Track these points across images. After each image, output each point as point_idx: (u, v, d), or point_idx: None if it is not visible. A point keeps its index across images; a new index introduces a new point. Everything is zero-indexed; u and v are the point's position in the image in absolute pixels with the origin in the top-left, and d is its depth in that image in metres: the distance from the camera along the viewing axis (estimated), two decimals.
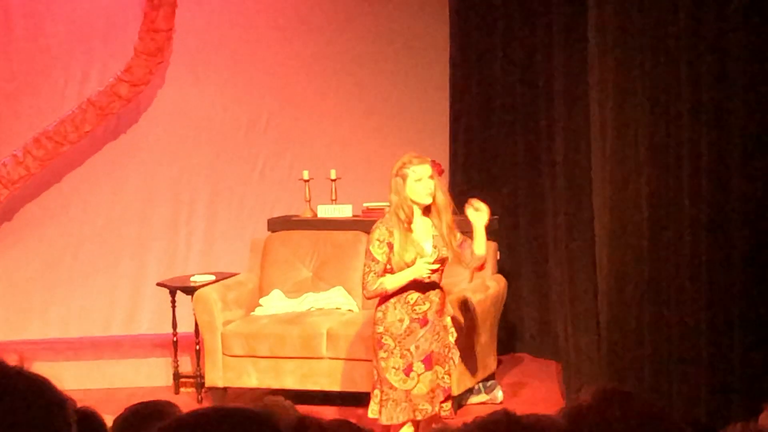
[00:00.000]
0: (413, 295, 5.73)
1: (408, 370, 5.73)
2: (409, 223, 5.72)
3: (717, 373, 6.11)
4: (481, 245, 5.75)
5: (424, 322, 5.75)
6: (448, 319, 5.90)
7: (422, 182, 5.70)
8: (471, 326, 7.02)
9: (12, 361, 2.25)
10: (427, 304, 5.75)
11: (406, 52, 9.20)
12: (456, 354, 5.88)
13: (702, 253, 6.16)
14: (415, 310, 5.74)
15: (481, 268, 6.05)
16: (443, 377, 5.79)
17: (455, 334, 5.91)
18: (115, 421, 2.85)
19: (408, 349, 5.73)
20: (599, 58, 6.51)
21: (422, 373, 5.73)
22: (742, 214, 6.05)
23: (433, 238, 5.76)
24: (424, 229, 5.78)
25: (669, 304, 6.27)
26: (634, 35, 6.34)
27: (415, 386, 5.72)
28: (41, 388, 2.14)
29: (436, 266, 5.64)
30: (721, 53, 6.05)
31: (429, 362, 5.75)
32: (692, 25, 6.10)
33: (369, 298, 5.90)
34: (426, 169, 5.72)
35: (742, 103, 6.04)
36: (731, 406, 5.97)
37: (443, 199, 5.77)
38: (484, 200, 5.85)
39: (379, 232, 5.75)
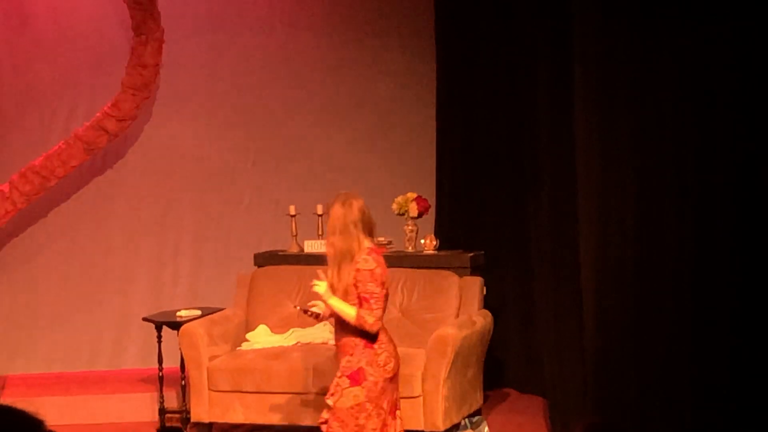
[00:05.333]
0: None
1: None
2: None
3: (705, 406, 6.12)
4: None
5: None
6: (343, 361, 5.73)
7: None
8: (458, 362, 7.01)
9: None
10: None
11: (394, 88, 9.23)
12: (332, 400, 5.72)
13: (687, 287, 6.18)
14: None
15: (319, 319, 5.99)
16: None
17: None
18: None
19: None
20: (584, 92, 6.55)
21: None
22: (729, 246, 6.08)
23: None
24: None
25: (655, 338, 6.28)
26: (620, 70, 6.39)
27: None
28: (28, 423, 2.13)
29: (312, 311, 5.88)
30: (705, 93, 6.11)
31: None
32: (676, 68, 6.17)
33: None
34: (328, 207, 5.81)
35: (726, 141, 6.09)
36: None
37: (333, 245, 5.67)
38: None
39: None
